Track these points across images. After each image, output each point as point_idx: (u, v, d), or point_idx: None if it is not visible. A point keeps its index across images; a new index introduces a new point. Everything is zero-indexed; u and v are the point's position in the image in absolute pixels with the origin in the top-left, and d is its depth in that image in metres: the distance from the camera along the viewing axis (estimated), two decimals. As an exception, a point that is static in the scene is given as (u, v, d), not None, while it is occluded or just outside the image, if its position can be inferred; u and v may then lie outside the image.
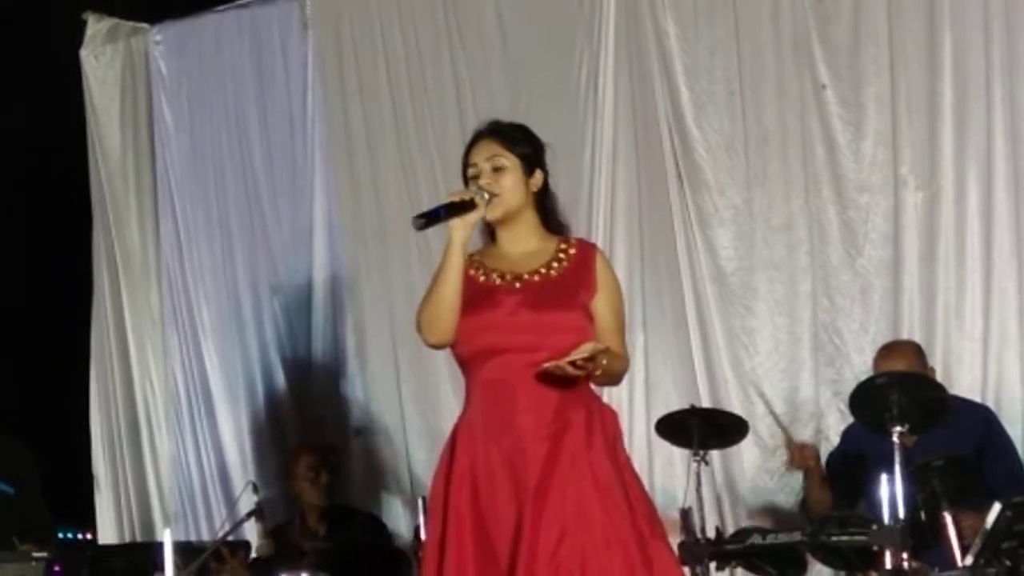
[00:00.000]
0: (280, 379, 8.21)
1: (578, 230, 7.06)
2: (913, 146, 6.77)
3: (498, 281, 4.54)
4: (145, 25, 8.70)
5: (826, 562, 5.98)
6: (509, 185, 4.54)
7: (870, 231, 6.86)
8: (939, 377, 6.32)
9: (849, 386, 6.20)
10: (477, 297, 4.51)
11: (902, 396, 5.68)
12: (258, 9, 8.36)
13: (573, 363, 4.32)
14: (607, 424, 4.53)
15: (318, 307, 8.15)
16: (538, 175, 4.60)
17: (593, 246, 4.67)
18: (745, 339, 7.08)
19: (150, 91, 8.66)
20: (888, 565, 5.43)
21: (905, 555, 5.40)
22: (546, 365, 4.34)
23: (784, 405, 6.96)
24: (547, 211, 4.64)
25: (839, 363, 6.87)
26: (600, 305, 4.54)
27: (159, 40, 8.66)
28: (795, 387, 6.96)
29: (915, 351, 6.33)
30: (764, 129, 7.10)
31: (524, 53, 7.65)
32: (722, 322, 7.14)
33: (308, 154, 8.22)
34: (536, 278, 4.53)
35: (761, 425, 6.76)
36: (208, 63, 8.51)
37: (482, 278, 4.56)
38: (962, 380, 6.58)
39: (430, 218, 4.47)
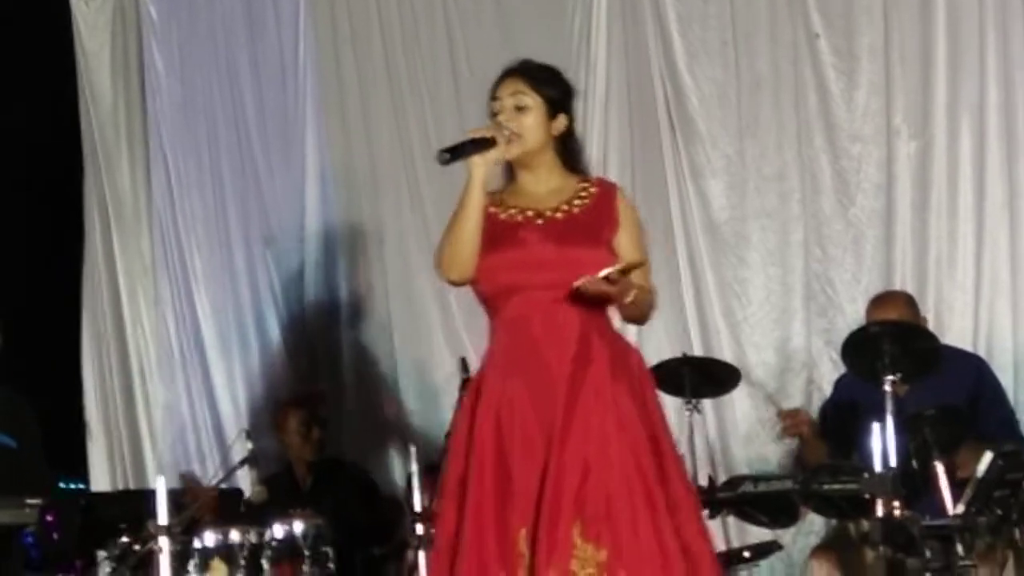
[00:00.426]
0: (273, 328, 8.21)
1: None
2: (906, 96, 6.76)
3: (520, 218, 4.51)
4: (135, -29, 8.67)
5: (817, 510, 5.99)
6: (530, 125, 4.50)
7: (862, 180, 6.86)
8: (931, 326, 6.34)
9: (841, 336, 6.21)
10: (499, 234, 4.48)
11: (894, 345, 5.68)
12: (250, -45, 8.33)
13: (607, 277, 4.28)
14: (631, 362, 4.51)
15: (310, 255, 8.14)
16: (561, 119, 4.55)
17: (614, 185, 4.63)
18: (737, 288, 7.09)
19: (140, 37, 8.62)
20: (879, 513, 5.44)
21: (896, 503, 5.41)
22: (578, 283, 4.31)
23: (775, 355, 6.98)
24: (570, 153, 4.60)
25: (831, 313, 6.88)
26: (623, 241, 4.50)
27: (149, -14, 8.62)
28: (787, 337, 6.97)
29: (907, 301, 6.33)
30: (757, 78, 7.09)
31: (516, 2, 7.62)
32: (714, 272, 7.15)
33: (300, 102, 8.20)
34: (559, 215, 4.50)
35: (754, 374, 6.77)
36: (199, 9, 8.47)
37: (503, 215, 4.53)
38: (954, 329, 6.60)
39: (455, 153, 4.44)
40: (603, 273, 4.29)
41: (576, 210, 4.51)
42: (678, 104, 7.22)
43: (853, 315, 6.65)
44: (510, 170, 4.61)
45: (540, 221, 4.50)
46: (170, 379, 8.47)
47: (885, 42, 6.79)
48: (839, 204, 6.89)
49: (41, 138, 8.43)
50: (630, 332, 7.00)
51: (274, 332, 8.21)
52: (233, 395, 8.28)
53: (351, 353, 8.01)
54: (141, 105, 8.64)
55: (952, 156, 6.68)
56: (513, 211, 4.54)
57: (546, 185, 4.56)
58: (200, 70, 8.47)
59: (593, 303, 4.40)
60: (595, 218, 4.50)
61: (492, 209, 4.53)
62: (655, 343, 7.15)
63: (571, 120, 4.61)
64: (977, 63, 6.62)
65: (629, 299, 4.39)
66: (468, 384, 6.35)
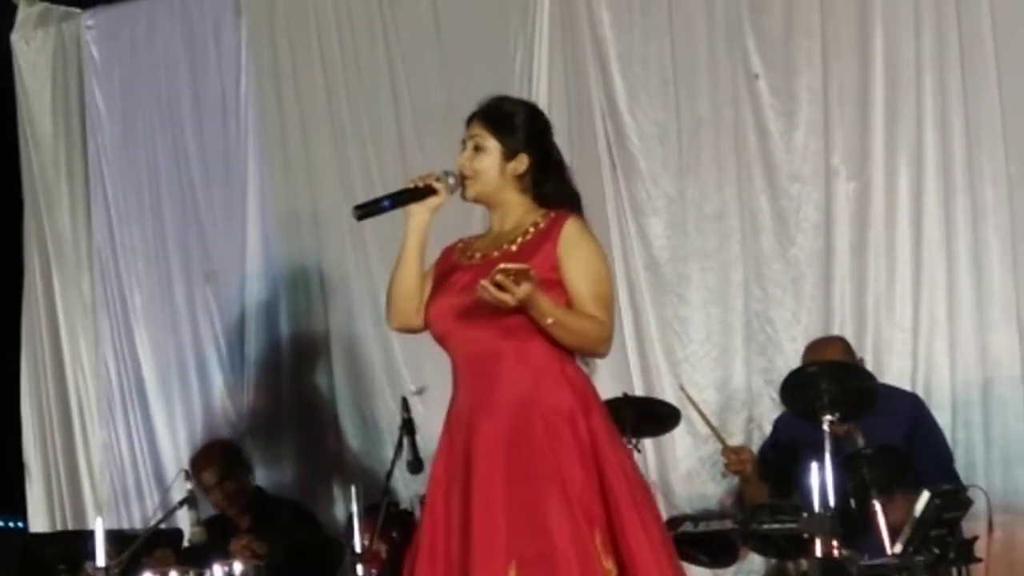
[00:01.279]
0: (214, 367, 8.18)
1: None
2: (844, 136, 6.81)
3: (464, 262, 4.53)
4: (76, 10, 8.64)
5: (757, 550, 6.00)
6: (484, 167, 4.50)
7: (802, 220, 6.90)
8: (870, 366, 6.37)
9: (781, 375, 6.24)
10: (441, 280, 4.52)
11: (832, 385, 5.71)
12: (191, -6, 8.33)
13: (497, 284, 4.20)
14: (577, 394, 4.42)
15: (251, 294, 8.12)
16: (521, 159, 4.51)
17: (568, 215, 4.50)
18: (678, 327, 7.12)
19: (82, 77, 8.60)
20: (818, 553, 5.46)
21: (835, 543, 5.44)
22: (478, 285, 4.24)
23: (716, 393, 7.00)
24: (545, 192, 4.55)
25: (771, 352, 6.91)
26: (569, 272, 4.41)
27: (91, 25, 8.60)
28: (727, 376, 7.00)
29: (843, 347, 6.36)
30: (697, 118, 7.13)
31: (458, 40, 7.64)
32: (655, 310, 7.17)
33: (241, 140, 8.18)
34: (496, 253, 4.48)
35: (693, 413, 6.79)
36: (140, 48, 8.46)
37: (458, 259, 4.55)
38: (892, 368, 6.63)
39: (369, 209, 4.47)
40: (485, 282, 4.21)
41: (514, 247, 4.48)
42: (619, 142, 7.25)
43: (793, 354, 6.67)
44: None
45: (480, 263, 4.48)
46: (110, 419, 8.42)
47: (824, 83, 6.83)
48: (778, 244, 6.93)
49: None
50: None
51: (215, 371, 8.18)
52: (173, 435, 8.24)
53: (292, 392, 7.99)
54: (82, 144, 8.61)
55: (890, 196, 6.73)
56: (467, 255, 4.55)
57: (509, 224, 4.55)
58: (141, 109, 8.45)
59: (514, 328, 4.33)
60: (526, 252, 4.44)
61: (456, 256, 4.56)
62: (596, 381, 7.11)
63: (543, 155, 4.56)
64: (914, 105, 6.67)
65: (549, 321, 4.31)
66: (408, 424, 6.45)
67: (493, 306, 4.27)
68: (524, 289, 4.21)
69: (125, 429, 8.37)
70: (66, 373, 8.57)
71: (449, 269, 4.54)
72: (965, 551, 5.60)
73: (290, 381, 7.99)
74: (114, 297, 8.45)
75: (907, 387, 6.51)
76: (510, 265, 4.22)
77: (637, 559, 4.30)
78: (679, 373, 7.07)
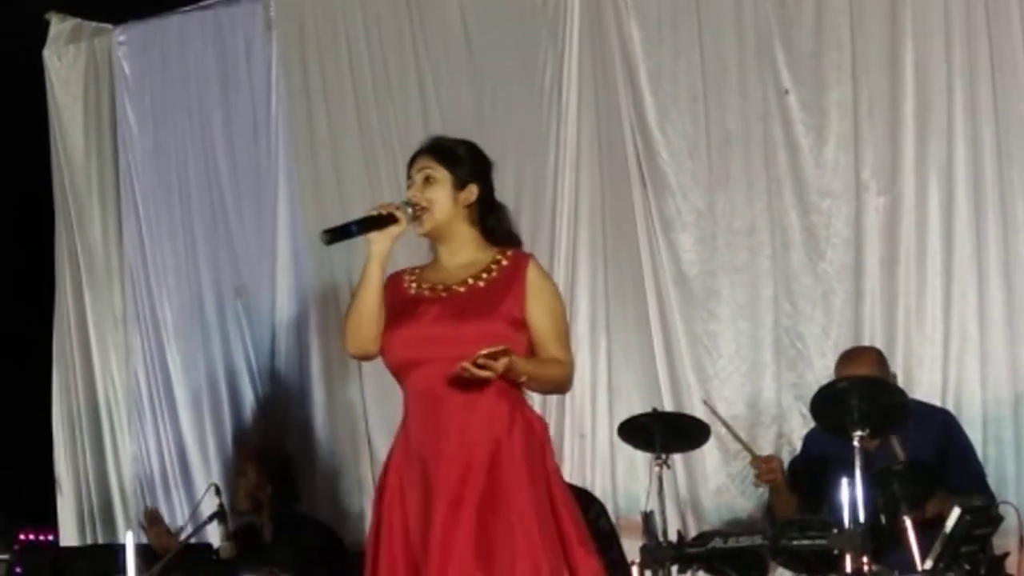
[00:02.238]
0: (244, 380, 8.20)
1: (542, 234, 7.23)
2: (875, 151, 6.80)
3: (427, 293, 4.59)
4: (108, 26, 8.67)
5: (787, 566, 5.99)
6: (437, 198, 4.60)
7: (832, 235, 6.89)
8: (900, 381, 6.36)
9: (811, 390, 6.23)
10: (403, 308, 4.57)
11: (863, 401, 5.70)
12: (222, 10, 8.35)
13: (476, 363, 4.34)
14: (534, 433, 4.57)
15: (281, 308, 8.14)
16: (471, 189, 4.64)
17: (528, 256, 4.69)
18: (707, 343, 7.10)
19: (113, 92, 8.63)
20: (848, 569, 5.45)
21: (865, 559, 5.43)
22: (459, 367, 4.35)
23: (746, 409, 6.98)
24: (489, 226, 4.69)
25: (801, 367, 6.89)
26: (534, 312, 4.57)
27: (123, 41, 8.63)
28: (757, 391, 6.98)
29: (876, 358, 6.34)
30: (727, 133, 7.12)
31: (488, 56, 7.66)
32: (685, 326, 7.16)
33: (272, 155, 8.21)
34: (462, 288, 4.58)
35: (722, 428, 6.77)
36: (172, 64, 8.49)
37: (414, 291, 4.62)
38: (923, 384, 6.61)
39: (337, 234, 4.55)
40: (466, 363, 4.32)
41: (481, 283, 4.59)
42: (648, 158, 7.25)
43: (822, 369, 6.67)
44: (434, 246, 4.70)
45: (444, 295, 4.58)
46: (140, 433, 8.45)
47: (854, 98, 6.82)
48: (808, 259, 6.92)
49: (13, 191, 8.43)
50: (601, 386, 7.17)
51: (245, 385, 8.20)
52: (203, 449, 8.25)
53: (322, 406, 8.00)
54: (113, 158, 8.65)
55: (920, 211, 6.71)
56: (424, 286, 4.62)
57: (461, 258, 4.64)
58: (173, 123, 8.48)
59: (484, 384, 4.44)
60: (496, 291, 4.56)
61: (407, 284, 4.63)
62: (626, 398, 7.17)
63: (485, 192, 4.69)
64: (945, 119, 6.65)
65: (522, 379, 4.49)
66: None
67: (462, 339, 4.41)
68: (503, 363, 4.37)
69: (155, 443, 8.39)
70: (97, 387, 8.60)
71: (409, 299, 4.60)
72: (996, 568, 5.58)
73: (320, 396, 8.00)
74: (145, 312, 8.48)
75: (937, 402, 6.49)
76: (491, 349, 4.34)
77: None
78: (708, 389, 7.06)
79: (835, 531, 5.52)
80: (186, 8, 8.44)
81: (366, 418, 7.85)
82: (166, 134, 8.51)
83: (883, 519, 5.61)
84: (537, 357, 4.57)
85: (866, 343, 6.64)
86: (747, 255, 7.05)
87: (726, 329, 7.08)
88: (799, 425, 6.76)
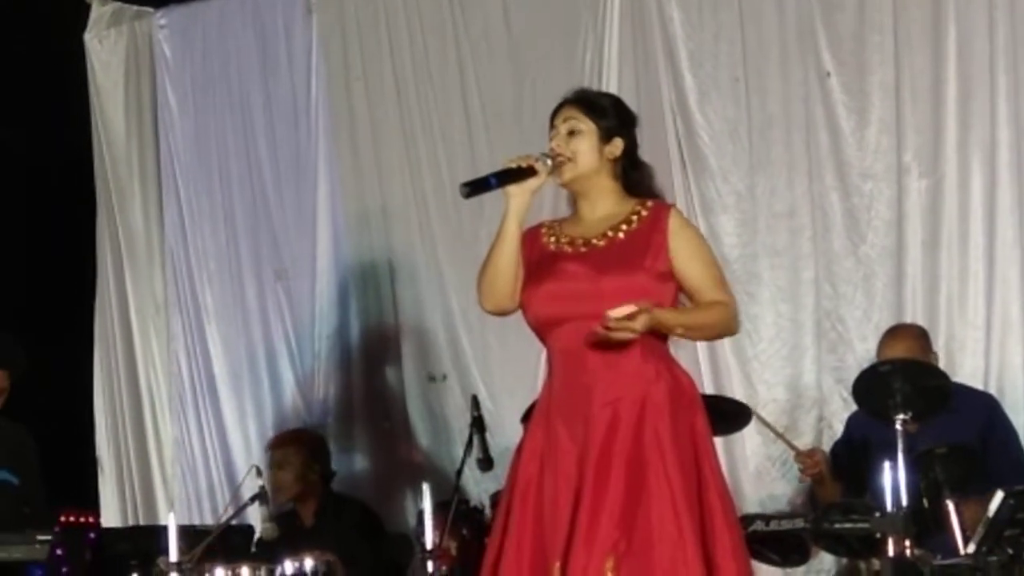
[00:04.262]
0: (284, 364, 8.22)
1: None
2: (917, 134, 6.77)
3: (567, 248, 4.49)
4: (149, 9, 8.71)
5: (829, 549, 5.98)
6: (582, 149, 4.50)
7: (873, 218, 6.86)
8: (942, 364, 6.32)
9: (852, 373, 6.21)
10: (542, 264, 4.48)
11: (905, 384, 5.68)
12: (263, -7, 8.38)
13: (607, 327, 4.24)
14: (683, 391, 4.45)
15: (322, 291, 8.16)
16: (616, 143, 4.54)
17: (669, 205, 4.56)
18: (748, 326, 7.05)
19: (154, 75, 8.67)
20: (891, 552, 5.43)
21: (908, 543, 5.41)
22: (593, 329, 4.27)
23: (786, 392, 6.97)
24: (632, 180, 4.57)
25: (842, 350, 6.87)
26: (682, 262, 4.44)
27: (163, 24, 8.66)
28: (798, 374, 6.97)
29: (917, 335, 6.32)
30: (768, 115, 7.10)
31: (528, 38, 7.65)
32: (725, 308, 7.13)
33: (312, 139, 8.22)
34: (602, 242, 4.47)
35: (764, 412, 6.76)
36: (212, 47, 8.52)
37: (553, 246, 4.52)
38: (965, 367, 6.58)
39: (477, 187, 4.43)
40: (598, 327, 4.24)
41: (621, 235, 4.47)
42: (689, 140, 7.23)
43: (864, 352, 6.65)
44: (573, 200, 4.61)
45: (584, 249, 4.48)
46: (181, 415, 8.48)
47: (896, 80, 6.79)
48: (850, 241, 6.89)
49: (54, 175, 8.47)
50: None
51: (286, 368, 8.22)
52: (244, 432, 8.29)
53: (362, 389, 8.02)
54: (154, 142, 8.68)
55: (963, 194, 6.68)
56: (563, 240, 4.52)
57: (600, 211, 4.54)
58: (213, 108, 8.50)
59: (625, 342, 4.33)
60: (638, 243, 4.44)
61: (545, 239, 4.53)
62: (666, 380, 7.15)
63: (632, 145, 4.59)
64: (988, 101, 6.62)
65: (677, 332, 4.40)
66: (479, 421, 6.47)
67: (603, 294, 4.32)
68: (642, 322, 4.25)
69: (196, 426, 8.43)
70: (138, 370, 8.65)
71: (549, 255, 4.51)
72: (1039, 551, 5.55)
73: (360, 378, 8.02)
74: (186, 295, 8.52)
75: (979, 386, 6.46)
76: (618, 313, 4.23)
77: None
78: (749, 372, 7.05)
79: (877, 514, 5.50)
80: (227, -9, 8.48)
81: (405, 401, 7.86)
82: (206, 118, 8.54)
83: (926, 503, 5.58)
84: (692, 306, 4.44)
85: (908, 324, 6.62)
86: (788, 238, 7.03)
87: (767, 312, 7.07)
88: (840, 408, 6.74)
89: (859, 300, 6.87)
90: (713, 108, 7.19)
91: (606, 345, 4.33)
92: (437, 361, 7.75)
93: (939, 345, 6.56)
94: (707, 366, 7.10)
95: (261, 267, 8.34)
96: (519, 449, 4.52)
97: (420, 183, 7.87)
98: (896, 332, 6.36)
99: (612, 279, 4.40)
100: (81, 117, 8.73)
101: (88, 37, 8.76)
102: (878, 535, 5.49)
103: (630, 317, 4.24)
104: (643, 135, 7.12)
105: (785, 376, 6.99)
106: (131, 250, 8.71)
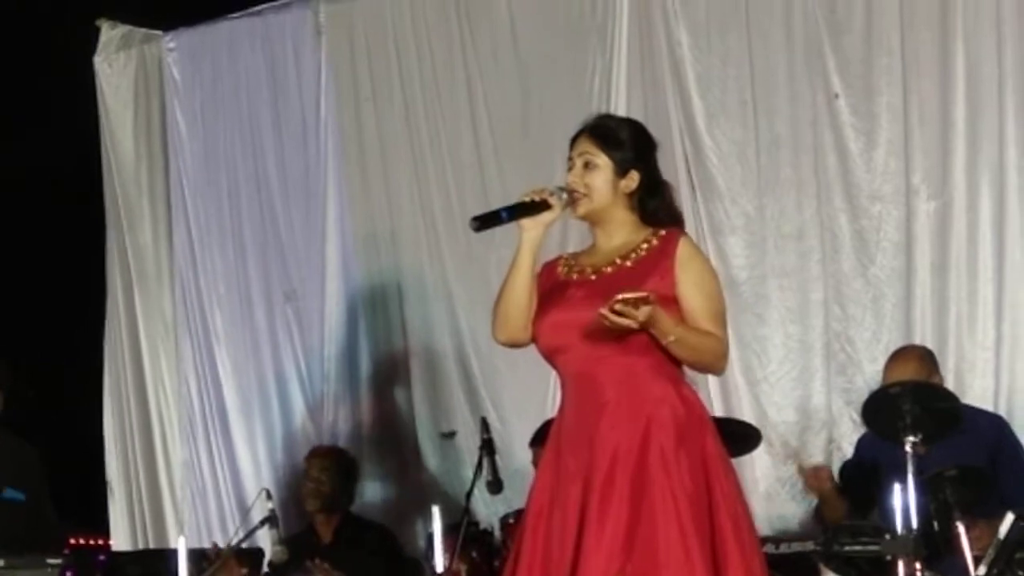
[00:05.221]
0: (294, 386, 8.23)
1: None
2: (925, 156, 6.78)
3: (575, 276, 4.49)
4: (158, 32, 8.73)
5: (839, 571, 5.97)
6: (597, 185, 4.47)
7: (882, 240, 6.87)
8: (951, 385, 6.33)
9: (861, 395, 6.21)
10: (552, 293, 4.47)
11: (915, 406, 5.67)
12: (271, 16, 8.39)
13: (614, 310, 4.20)
14: (692, 413, 4.40)
15: (331, 313, 8.16)
16: (632, 176, 4.49)
17: (681, 232, 4.52)
18: (757, 347, 7.09)
19: (163, 98, 8.69)
20: (901, 575, 5.43)
21: (918, 565, 5.41)
22: (598, 313, 4.23)
23: (795, 414, 6.97)
24: (648, 208, 4.53)
25: (851, 371, 6.88)
26: (685, 288, 4.40)
27: (172, 47, 8.69)
28: (807, 395, 6.97)
29: (922, 356, 6.31)
30: (776, 137, 7.11)
31: (537, 60, 7.67)
32: (734, 330, 7.04)
33: (321, 160, 8.24)
34: (610, 269, 4.46)
35: (773, 434, 6.76)
36: (221, 70, 8.54)
37: (564, 275, 4.51)
38: (974, 389, 6.59)
39: (487, 221, 4.42)
40: (603, 309, 4.20)
41: (629, 263, 4.45)
42: (697, 162, 7.25)
43: (873, 374, 6.64)
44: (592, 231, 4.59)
45: (594, 277, 4.46)
46: (191, 438, 8.49)
47: (904, 102, 6.80)
48: (858, 263, 6.90)
49: (64, 197, 8.48)
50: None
51: (295, 390, 8.23)
52: (254, 454, 8.29)
53: (372, 411, 8.02)
54: (163, 164, 8.70)
55: (972, 216, 6.69)
56: (575, 270, 4.51)
57: (616, 241, 4.52)
58: (222, 129, 8.52)
59: (633, 345, 4.31)
60: (644, 269, 4.42)
61: (561, 270, 4.53)
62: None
63: (649, 174, 4.54)
64: (996, 122, 6.63)
65: (671, 338, 4.30)
66: (488, 444, 6.48)
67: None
68: (645, 312, 4.21)
69: (206, 448, 8.43)
70: (148, 392, 8.65)
71: (559, 284, 4.50)
72: (1051, 574, 5.55)
73: (370, 400, 8.03)
74: (195, 317, 8.53)
75: (989, 407, 6.46)
76: (628, 295, 4.21)
77: None
78: (758, 393, 7.05)
79: (888, 537, 5.50)
80: (236, 14, 8.49)
81: (415, 424, 7.87)
82: (216, 139, 8.55)
83: (936, 525, 5.58)
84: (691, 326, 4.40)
85: (917, 346, 6.62)
86: (797, 259, 7.04)
87: (775, 333, 7.07)
88: (849, 430, 6.75)
89: (868, 322, 6.87)
90: (721, 130, 7.20)
91: (614, 368, 4.33)
92: (446, 382, 7.75)
93: (948, 366, 6.56)
94: (716, 388, 7.10)
95: (270, 288, 8.35)
96: (536, 477, 4.52)
97: (429, 203, 7.88)
98: (901, 354, 6.36)
99: None
100: (91, 139, 8.75)
101: (98, 60, 8.79)
102: (888, 557, 5.49)
103: (636, 304, 4.21)
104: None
105: (795, 398, 6.99)
106: (140, 271, 8.72)
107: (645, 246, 4.47)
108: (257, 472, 8.22)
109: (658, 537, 4.24)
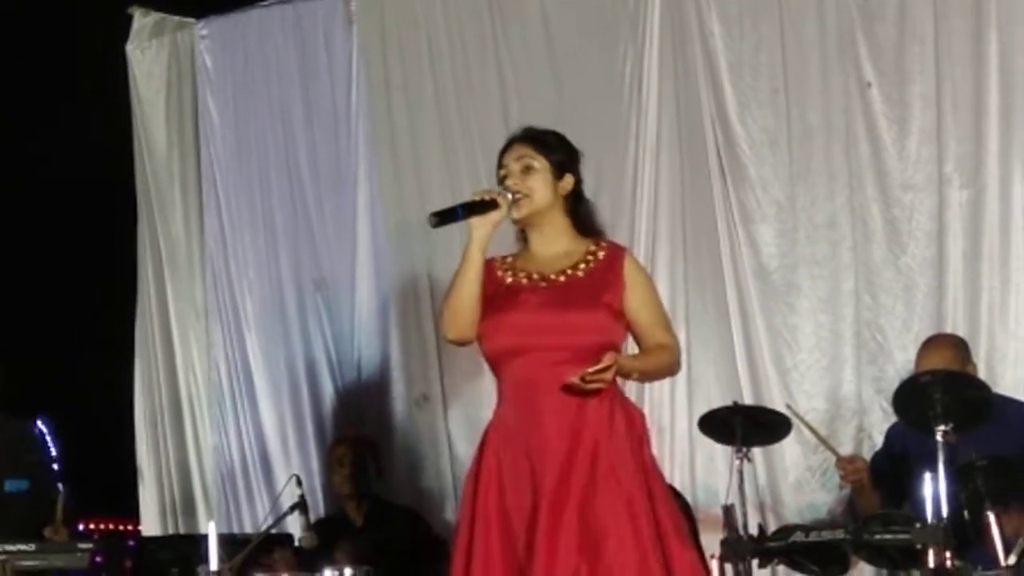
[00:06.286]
0: (323, 372, 8.24)
1: (622, 227, 7.21)
2: (958, 144, 6.76)
3: (524, 281, 4.62)
4: (191, 20, 8.74)
5: (869, 560, 5.98)
6: (536, 186, 4.63)
7: (914, 229, 6.85)
8: (983, 375, 6.31)
9: (892, 384, 6.20)
10: (502, 296, 4.59)
11: (946, 395, 5.66)
12: (303, 4, 8.39)
13: (583, 379, 4.40)
14: (634, 425, 4.59)
15: (361, 301, 8.17)
16: (568, 179, 4.68)
17: (622, 248, 4.74)
18: (787, 336, 7.08)
19: (195, 85, 8.70)
20: (931, 564, 5.42)
21: (948, 554, 5.40)
22: (567, 381, 4.42)
23: (825, 402, 6.96)
24: (580, 216, 4.71)
25: (881, 360, 6.86)
26: (634, 303, 4.62)
27: (205, 35, 8.70)
28: (837, 384, 6.95)
29: (953, 344, 6.31)
30: (808, 126, 7.09)
31: (568, 49, 7.66)
32: (764, 319, 7.14)
33: (352, 149, 8.24)
34: (562, 278, 4.61)
35: (806, 430, 6.74)
36: (253, 58, 8.55)
37: (510, 279, 4.64)
38: (1006, 378, 6.57)
39: (445, 217, 4.60)
40: (574, 378, 4.39)
41: (580, 273, 4.62)
42: (728, 150, 7.23)
43: (904, 363, 6.63)
44: (524, 236, 4.72)
45: (543, 284, 4.60)
46: (221, 423, 8.50)
47: (937, 91, 6.78)
48: (890, 252, 6.88)
49: (96, 184, 8.51)
50: (680, 379, 7.15)
51: (325, 377, 8.24)
52: (283, 440, 8.30)
53: (401, 398, 8.03)
54: (195, 151, 8.71)
55: (1004, 205, 6.67)
56: (520, 274, 4.64)
57: (555, 248, 4.67)
58: (254, 117, 8.53)
59: (585, 351, 4.49)
60: (598, 281, 4.59)
61: (500, 272, 4.65)
62: (705, 391, 7.16)
63: (578, 182, 4.72)
64: (1030, 112, 6.61)
65: (635, 376, 4.59)
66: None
67: (567, 328, 4.50)
68: (611, 372, 4.44)
69: (236, 434, 8.45)
70: (178, 378, 8.67)
71: (507, 287, 4.61)
72: (1081, 564, 5.53)
73: (399, 388, 8.03)
74: (226, 303, 8.54)
75: (1021, 397, 6.43)
76: (592, 368, 4.39)
77: None
78: (788, 382, 7.04)
79: (918, 526, 5.49)
80: (267, 2, 8.50)
81: (445, 411, 7.87)
82: (247, 127, 8.56)
83: (966, 514, 5.57)
84: (643, 349, 4.64)
85: (948, 335, 6.60)
86: (828, 248, 7.02)
87: (806, 322, 7.06)
88: (880, 419, 6.73)
89: (899, 311, 6.85)
90: (753, 119, 7.18)
91: (567, 376, 4.44)
92: (476, 369, 7.74)
93: (980, 356, 6.54)
94: (746, 377, 7.10)
95: (301, 275, 8.36)
96: (472, 477, 4.61)
97: (460, 193, 7.84)
98: (933, 342, 6.35)
99: (576, 314, 4.54)
100: (123, 127, 8.77)
101: (130, 48, 8.80)
102: (918, 546, 5.49)
103: (603, 370, 4.40)
104: (683, 146, 7.27)
105: (825, 387, 6.98)
106: (172, 258, 8.74)
107: (591, 258, 4.64)
108: (287, 457, 8.23)
109: (610, 541, 4.40)
